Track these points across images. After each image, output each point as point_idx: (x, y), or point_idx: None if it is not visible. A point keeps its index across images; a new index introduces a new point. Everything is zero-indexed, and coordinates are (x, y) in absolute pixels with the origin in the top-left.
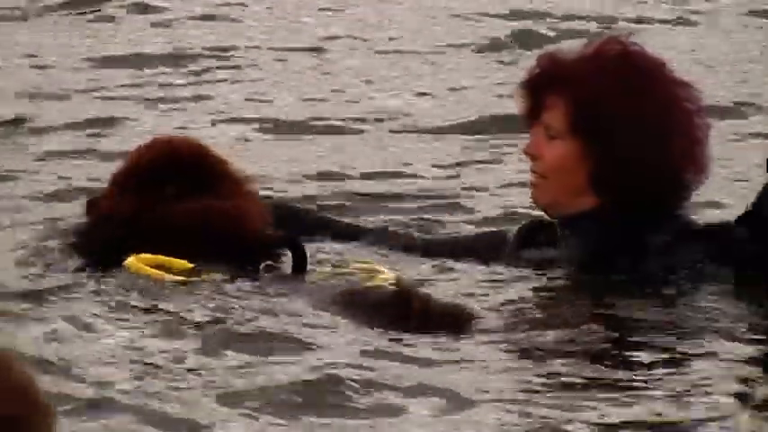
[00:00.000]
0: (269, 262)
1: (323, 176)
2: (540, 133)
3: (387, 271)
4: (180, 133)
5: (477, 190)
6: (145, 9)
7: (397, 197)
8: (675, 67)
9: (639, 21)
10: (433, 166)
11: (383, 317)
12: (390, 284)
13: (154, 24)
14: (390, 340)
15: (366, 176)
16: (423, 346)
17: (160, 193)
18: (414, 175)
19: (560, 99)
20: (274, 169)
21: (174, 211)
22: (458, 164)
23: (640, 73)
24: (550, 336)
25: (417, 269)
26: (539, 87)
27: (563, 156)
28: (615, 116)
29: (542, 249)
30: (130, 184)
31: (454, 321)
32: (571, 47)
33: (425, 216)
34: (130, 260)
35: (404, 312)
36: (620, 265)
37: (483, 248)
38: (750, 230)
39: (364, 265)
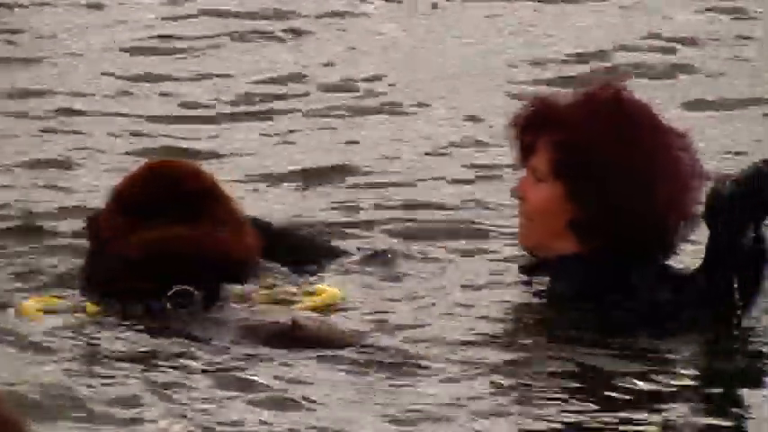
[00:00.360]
0: (177, 288)
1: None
2: (528, 175)
3: (329, 290)
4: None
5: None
6: None
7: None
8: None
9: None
10: None
11: (276, 347)
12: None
13: None
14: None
15: None
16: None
17: (146, 220)
18: None
19: (549, 142)
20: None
21: (130, 239)
22: None
23: (630, 120)
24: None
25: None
26: (530, 129)
27: (548, 199)
28: (604, 163)
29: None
30: (121, 208)
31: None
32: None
33: None
34: (24, 303)
35: (291, 344)
36: (600, 307)
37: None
38: (707, 279)
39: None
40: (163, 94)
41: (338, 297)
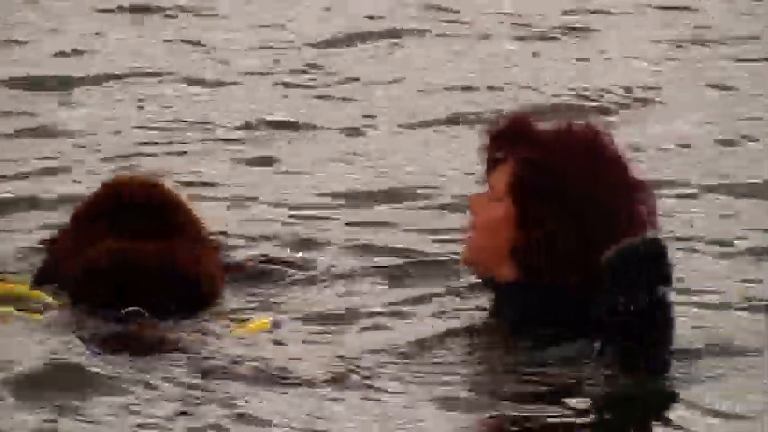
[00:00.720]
0: (130, 308)
1: None
2: (486, 191)
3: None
4: None
5: None
6: None
7: None
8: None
9: None
10: None
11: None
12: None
13: None
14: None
15: None
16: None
17: (97, 235)
18: None
19: (518, 159)
20: None
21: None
22: None
23: (603, 159)
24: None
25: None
26: (503, 142)
27: (498, 218)
28: (566, 189)
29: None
30: (77, 225)
31: None
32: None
33: None
34: None
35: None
36: (536, 330)
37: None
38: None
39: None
40: None
41: (266, 326)
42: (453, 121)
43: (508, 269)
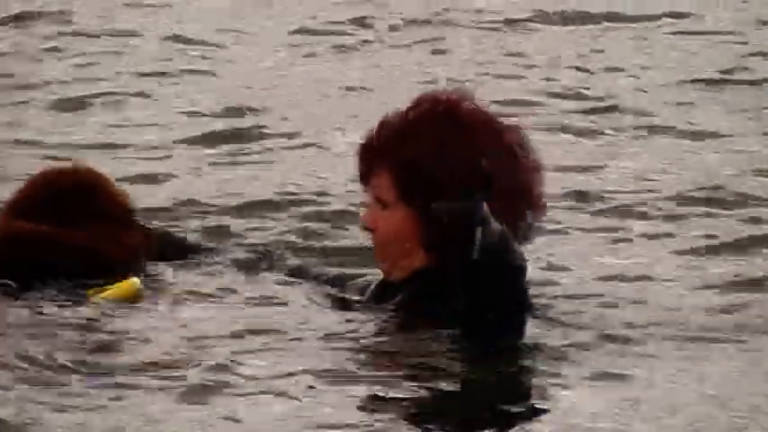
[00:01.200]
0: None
1: None
2: (373, 204)
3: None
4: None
5: None
6: None
7: None
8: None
9: None
10: None
11: None
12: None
13: None
14: None
15: None
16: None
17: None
18: None
19: (385, 169)
20: None
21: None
22: None
23: (457, 131)
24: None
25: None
26: (367, 158)
27: (398, 224)
28: (435, 178)
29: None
30: (11, 212)
31: None
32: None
33: None
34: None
35: None
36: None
37: (353, 291)
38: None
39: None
40: None
41: (135, 287)
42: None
43: (417, 259)
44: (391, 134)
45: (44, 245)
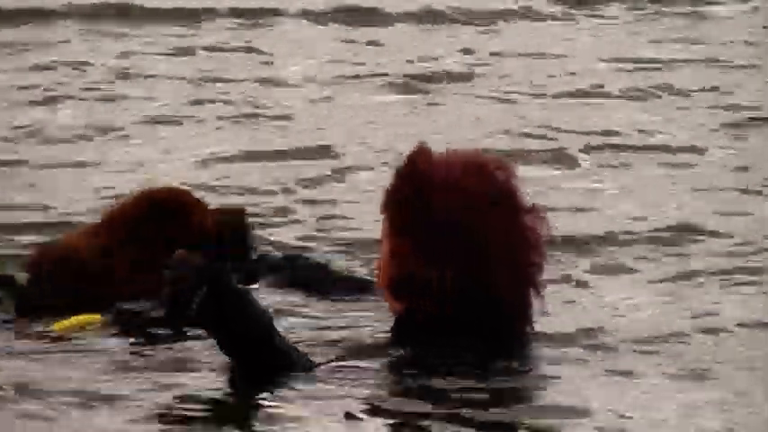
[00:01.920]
0: None
1: None
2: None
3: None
4: None
5: None
6: None
7: None
8: None
9: None
10: None
11: None
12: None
13: None
14: None
15: None
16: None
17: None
18: None
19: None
20: None
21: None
22: None
23: (494, 191)
24: None
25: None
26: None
27: (384, 254)
28: (459, 230)
29: None
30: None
31: None
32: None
33: None
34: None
35: None
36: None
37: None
38: None
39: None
40: None
41: (95, 321)
42: None
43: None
44: (434, 172)
45: (101, 284)
